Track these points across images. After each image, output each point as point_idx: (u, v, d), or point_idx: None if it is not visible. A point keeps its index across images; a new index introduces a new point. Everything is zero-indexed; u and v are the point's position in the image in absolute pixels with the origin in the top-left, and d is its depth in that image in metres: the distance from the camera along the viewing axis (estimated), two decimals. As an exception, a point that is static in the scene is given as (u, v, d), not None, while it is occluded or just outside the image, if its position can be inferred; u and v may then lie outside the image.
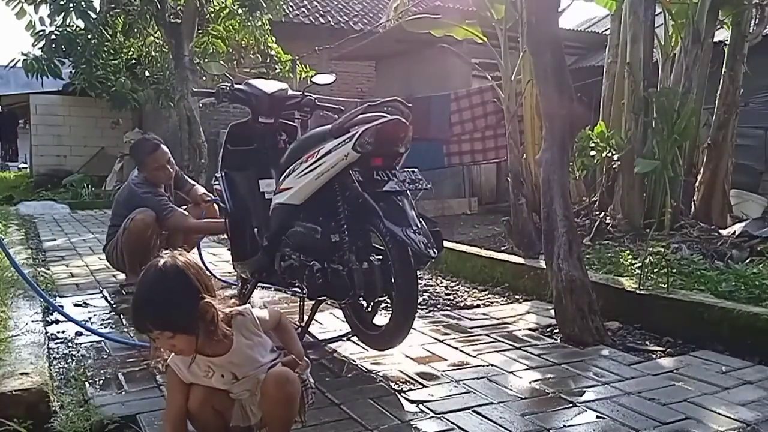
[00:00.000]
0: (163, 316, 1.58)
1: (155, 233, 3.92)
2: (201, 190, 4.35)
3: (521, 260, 4.11)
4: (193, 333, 1.60)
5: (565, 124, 3.06)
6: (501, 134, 7.25)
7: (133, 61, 10.26)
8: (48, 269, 4.66)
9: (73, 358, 2.71)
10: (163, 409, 1.94)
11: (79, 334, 3.01)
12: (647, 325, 3.04)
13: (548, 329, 3.09)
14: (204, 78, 8.66)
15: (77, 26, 8.84)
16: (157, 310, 1.58)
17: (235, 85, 3.30)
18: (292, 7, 12.96)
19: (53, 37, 8.59)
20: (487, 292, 3.93)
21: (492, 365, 2.58)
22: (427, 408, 2.17)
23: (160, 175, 4.03)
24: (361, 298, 2.63)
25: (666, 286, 3.12)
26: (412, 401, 2.23)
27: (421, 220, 2.48)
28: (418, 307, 2.82)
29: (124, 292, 3.92)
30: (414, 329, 2.68)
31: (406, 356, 2.69)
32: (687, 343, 2.82)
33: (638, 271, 3.24)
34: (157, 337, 1.60)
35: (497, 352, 2.76)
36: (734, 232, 4.47)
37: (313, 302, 2.94)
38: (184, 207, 4.29)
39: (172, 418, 1.73)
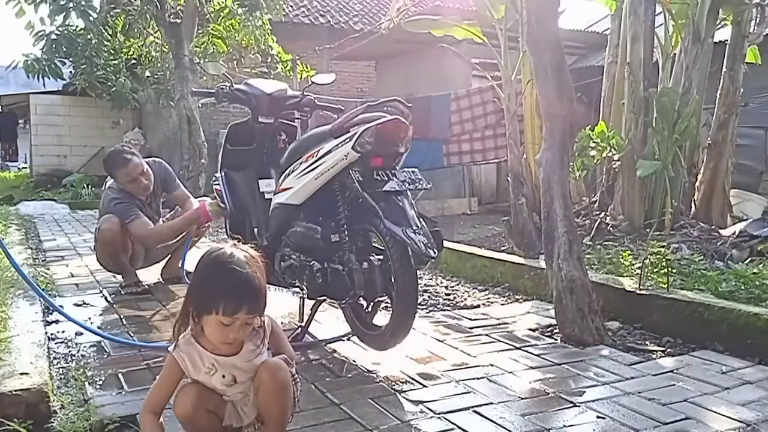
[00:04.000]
0: (264, 297, 1.67)
1: (125, 236, 3.89)
2: (191, 198, 4.24)
3: (521, 260, 4.11)
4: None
5: (565, 124, 3.06)
6: (501, 134, 7.26)
7: (133, 61, 10.26)
8: (48, 269, 4.66)
9: (73, 358, 2.71)
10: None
11: (79, 334, 3.01)
12: (647, 325, 3.04)
13: (548, 329, 3.09)
14: (204, 78, 8.66)
15: (77, 26, 8.84)
16: (262, 291, 1.65)
17: (235, 85, 3.31)
18: (292, 7, 12.96)
19: (54, 37, 8.59)
20: (487, 292, 3.93)
21: (492, 365, 2.58)
22: (427, 408, 2.17)
23: (134, 187, 3.93)
24: (361, 298, 2.63)
25: (666, 286, 3.12)
26: (412, 401, 2.23)
27: (421, 220, 2.48)
28: (418, 307, 2.82)
29: (123, 293, 3.92)
30: (414, 329, 2.68)
31: (406, 356, 2.69)
32: (687, 343, 2.82)
33: (638, 271, 3.24)
34: (240, 320, 1.62)
35: (497, 352, 2.76)
36: (734, 232, 4.47)
37: (313, 302, 2.94)
38: (170, 211, 4.26)
39: (153, 405, 1.71)
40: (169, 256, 4.28)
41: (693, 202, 5.15)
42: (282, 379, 1.70)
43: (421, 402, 2.21)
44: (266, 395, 1.70)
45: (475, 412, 2.12)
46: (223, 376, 1.70)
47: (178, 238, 4.13)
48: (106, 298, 3.83)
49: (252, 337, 1.71)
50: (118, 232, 3.85)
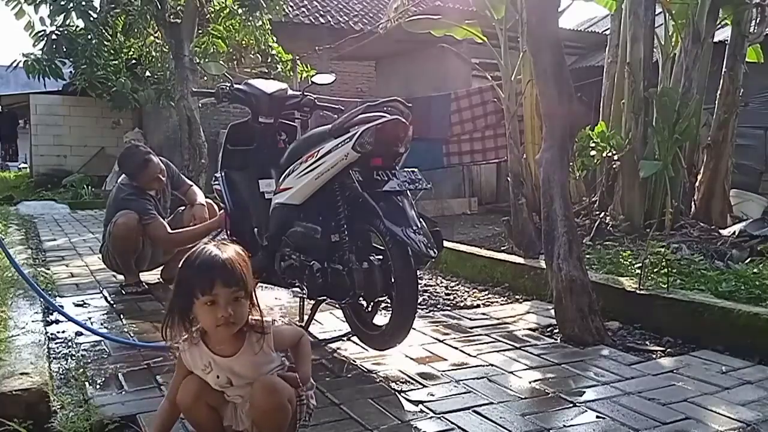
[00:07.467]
0: (245, 274, 1.64)
1: (140, 234, 3.89)
2: (198, 192, 4.32)
3: (521, 260, 4.11)
4: (250, 301, 1.66)
5: (565, 124, 3.06)
6: (501, 134, 7.25)
7: (134, 61, 10.26)
8: (48, 269, 4.65)
9: (73, 358, 2.71)
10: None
11: (79, 334, 3.01)
12: (647, 325, 3.04)
13: (548, 329, 3.09)
14: (204, 78, 8.65)
15: (77, 26, 8.83)
16: (235, 264, 1.64)
17: (235, 85, 3.31)
18: (292, 7, 12.95)
19: (54, 37, 8.58)
20: (487, 292, 3.93)
21: (492, 365, 2.58)
22: (427, 408, 2.16)
23: (153, 185, 3.99)
24: (361, 298, 2.63)
25: (666, 286, 3.12)
26: (412, 401, 2.23)
27: (421, 220, 2.49)
28: (418, 307, 2.82)
29: (123, 292, 3.92)
30: (414, 329, 2.68)
31: (406, 356, 2.69)
32: (687, 343, 2.82)
33: (638, 271, 3.24)
34: (221, 296, 1.61)
35: (497, 352, 2.76)
36: (734, 232, 4.47)
37: (313, 302, 2.94)
38: (182, 208, 4.27)
39: (171, 395, 1.77)
40: (171, 257, 4.28)
41: (693, 202, 5.15)
42: (275, 401, 1.64)
43: (421, 402, 2.21)
44: (258, 414, 1.66)
45: (475, 412, 2.12)
46: (218, 377, 1.69)
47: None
48: (106, 298, 3.82)
49: (253, 341, 1.69)
50: (134, 228, 3.84)
